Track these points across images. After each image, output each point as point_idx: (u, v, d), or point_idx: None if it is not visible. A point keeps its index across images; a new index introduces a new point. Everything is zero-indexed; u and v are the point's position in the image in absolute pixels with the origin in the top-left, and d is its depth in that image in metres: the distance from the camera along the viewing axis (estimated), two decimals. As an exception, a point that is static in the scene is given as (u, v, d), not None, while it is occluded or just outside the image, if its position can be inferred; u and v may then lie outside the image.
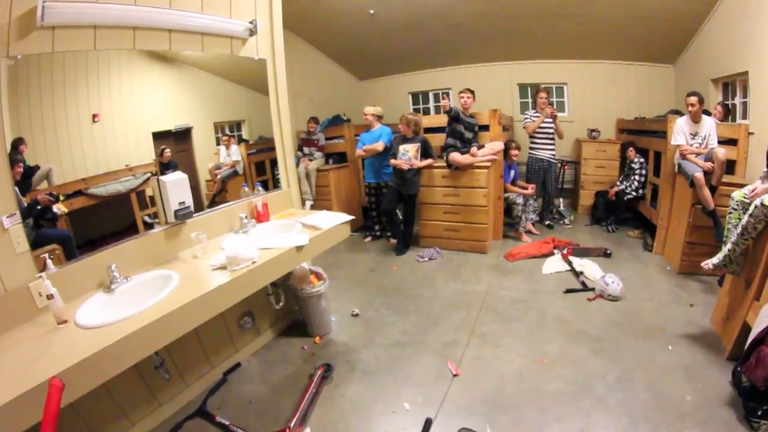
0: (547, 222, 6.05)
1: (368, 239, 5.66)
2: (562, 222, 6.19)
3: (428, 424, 2.35)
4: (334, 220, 3.06)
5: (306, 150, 6.26)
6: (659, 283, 4.15)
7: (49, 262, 1.93)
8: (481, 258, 4.90)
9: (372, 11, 5.91)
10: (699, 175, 3.91)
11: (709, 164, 3.95)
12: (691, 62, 6.28)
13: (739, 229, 2.92)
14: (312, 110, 6.86)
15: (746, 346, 2.52)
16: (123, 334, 1.63)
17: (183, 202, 2.53)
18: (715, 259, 3.12)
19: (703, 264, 3.22)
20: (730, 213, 3.23)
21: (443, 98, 6.09)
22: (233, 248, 2.28)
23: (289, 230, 2.96)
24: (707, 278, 4.01)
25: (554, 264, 4.55)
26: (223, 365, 2.94)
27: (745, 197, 3.10)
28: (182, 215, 2.53)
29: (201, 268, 2.33)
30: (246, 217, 3.00)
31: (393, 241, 5.32)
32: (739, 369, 2.51)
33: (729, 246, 3.01)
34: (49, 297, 1.77)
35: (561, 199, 6.58)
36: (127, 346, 1.63)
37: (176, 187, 2.49)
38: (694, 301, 3.70)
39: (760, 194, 2.92)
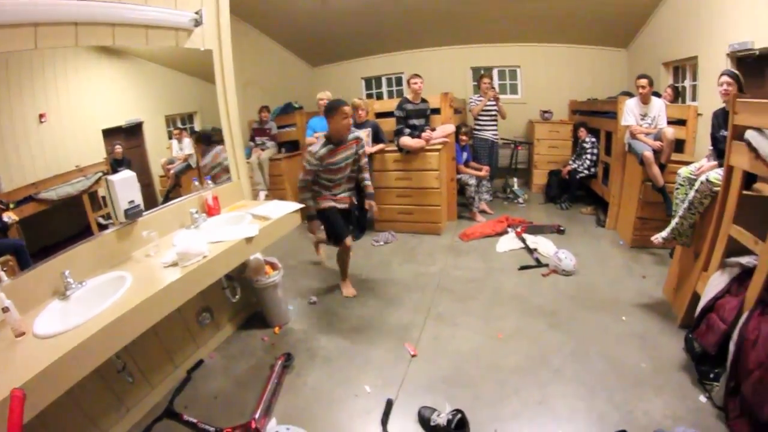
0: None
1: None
2: (516, 201, 6.21)
3: (389, 404, 2.37)
4: (284, 209, 3.03)
5: (258, 140, 5.97)
6: (612, 257, 4.21)
7: (1, 274, 1.82)
8: (436, 239, 4.87)
9: None
10: (648, 153, 4.00)
11: (658, 143, 4.06)
12: (644, 46, 6.45)
13: (686, 203, 3.02)
14: (264, 99, 6.61)
15: (696, 314, 2.60)
16: (80, 339, 1.61)
17: (132, 201, 2.43)
18: (665, 233, 3.20)
19: (653, 238, 3.29)
20: (677, 189, 3.33)
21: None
22: (184, 244, 2.26)
23: (239, 222, 2.91)
24: (659, 251, 4.10)
25: (508, 242, 4.56)
26: (187, 363, 2.84)
27: (691, 174, 3.20)
28: (132, 214, 2.44)
29: (153, 266, 2.29)
30: (197, 211, 2.88)
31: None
32: (690, 336, 2.59)
33: (677, 220, 3.10)
34: (5, 310, 1.69)
35: (515, 179, 6.62)
36: (85, 351, 1.61)
37: (125, 186, 2.39)
38: (647, 273, 3.77)
39: (706, 171, 3.04)
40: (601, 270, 3.91)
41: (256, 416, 2.23)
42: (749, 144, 2.34)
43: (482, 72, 6.22)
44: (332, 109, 3.13)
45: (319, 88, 5.83)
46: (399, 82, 8.01)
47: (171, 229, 2.79)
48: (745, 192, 2.56)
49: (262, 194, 5.67)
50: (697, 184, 2.96)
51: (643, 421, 2.13)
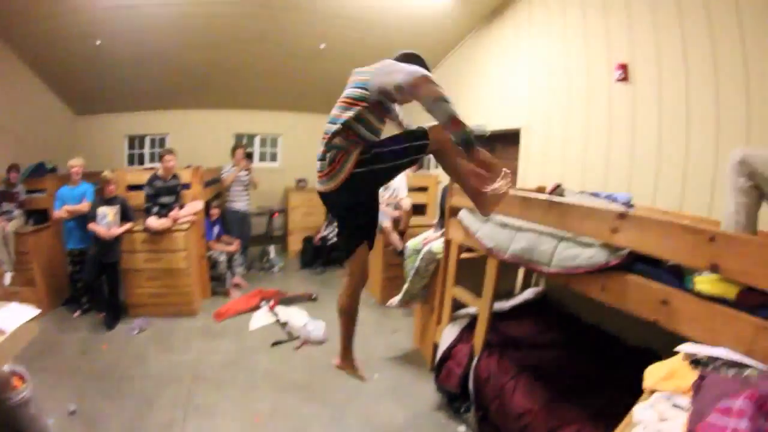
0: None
1: (77, 314, 4.58)
2: (271, 270, 6.15)
3: None
4: (18, 318, 2.33)
5: (4, 206, 4.56)
6: (364, 316, 4.39)
7: None
8: (191, 321, 4.47)
9: (99, 41, 5.07)
10: (386, 224, 4.54)
11: (396, 213, 4.58)
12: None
13: (414, 270, 3.47)
14: (15, 153, 5.07)
15: (436, 363, 3.01)
16: None
17: None
18: (398, 297, 3.58)
19: (388, 303, 3.67)
20: (406, 259, 3.80)
21: None
22: None
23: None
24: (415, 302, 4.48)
25: (261, 318, 4.46)
26: None
27: (418, 245, 3.68)
28: None
29: None
30: None
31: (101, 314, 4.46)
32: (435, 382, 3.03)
33: (408, 285, 3.51)
34: None
35: (272, 246, 6.57)
36: None
37: None
38: (398, 327, 4.17)
39: (432, 241, 3.56)
40: (353, 332, 4.07)
41: None
42: (462, 222, 2.83)
43: (237, 143, 6.24)
44: None
45: (80, 144, 5.35)
46: (163, 143, 7.22)
47: None
48: (463, 256, 3.05)
49: (8, 276, 4.27)
50: (422, 253, 3.43)
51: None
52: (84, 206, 4.35)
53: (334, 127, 1.84)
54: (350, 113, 1.82)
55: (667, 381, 1.38)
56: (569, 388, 2.34)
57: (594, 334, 3.01)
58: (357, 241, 2.09)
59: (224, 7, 4.71)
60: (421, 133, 1.89)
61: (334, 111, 1.90)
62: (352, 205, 2.01)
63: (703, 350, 1.43)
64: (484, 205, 1.94)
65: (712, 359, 1.37)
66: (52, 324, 4.15)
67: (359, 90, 1.85)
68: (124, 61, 5.53)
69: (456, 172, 1.96)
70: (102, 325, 4.32)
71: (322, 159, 1.90)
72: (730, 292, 1.51)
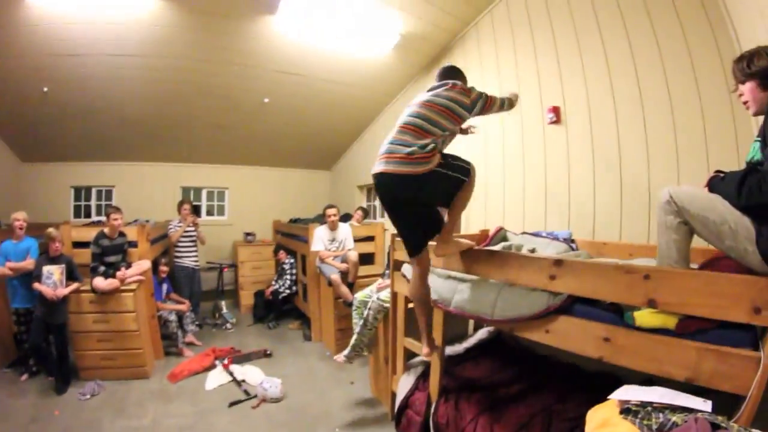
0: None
1: (25, 377, 4.27)
2: (224, 327, 6.03)
3: None
4: None
5: None
6: (320, 370, 4.51)
7: None
8: (145, 384, 4.26)
9: (46, 89, 5.00)
10: (335, 276, 4.65)
11: (344, 265, 4.71)
12: (344, 170, 8.07)
13: (362, 321, 3.57)
14: None
15: (395, 412, 3.08)
16: None
17: None
18: (346, 351, 3.61)
19: (335, 358, 3.71)
20: (355, 310, 3.84)
21: None
22: None
23: None
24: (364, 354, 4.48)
25: (217, 377, 4.35)
26: None
27: (366, 297, 3.75)
28: None
29: None
30: None
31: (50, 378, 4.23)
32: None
33: (356, 337, 3.59)
34: None
35: (224, 302, 6.46)
36: None
37: None
38: (355, 378, 4.17)
39: (382, 288, 3.66)
40: (310, 387, 4.10)
41: None
42: (405, 276, 2.96)
43: (183, 199, 6.21)
44: None
45: (25, 192, 5.50)
46: (109, 195, 7.03)
47: None
48: (411, 305, 3.16)
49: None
50: (370, 303, 3.56)
51: None
52: (29, 263, 4.16)
53: (437, 131, 2.17)
54: (454, 126, 2.26)
55: (600, 430, 1.42)
56: (530, 421, 2.42)
57: (551, 365, 3.10)
58: (430, 236, 2.34)
59: (167, 61, 4.81)
60: (467, 171, 2.26)
61: (432, 115, 2.19)
62: (428, 198, 2.25)
63: (636, 395, 1.45)
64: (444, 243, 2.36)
65: (644, 405, 1.38)
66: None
67: (462, 110, 2.26)
68: (70, 110, 5.48)
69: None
70: (52, 389, 4.08)
71: (408, 146, 2.11)
72: (670, 322, 1.60)
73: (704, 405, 1.32)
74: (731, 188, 1.50)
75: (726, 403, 1.42)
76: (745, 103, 1.61)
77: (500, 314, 2.25)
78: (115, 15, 4.01)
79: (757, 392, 1.36)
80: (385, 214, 2.42)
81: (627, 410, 1.39)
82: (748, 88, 1.57)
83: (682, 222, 1.65)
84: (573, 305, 1.96)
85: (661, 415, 1.30)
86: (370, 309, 3.52)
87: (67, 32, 4.14)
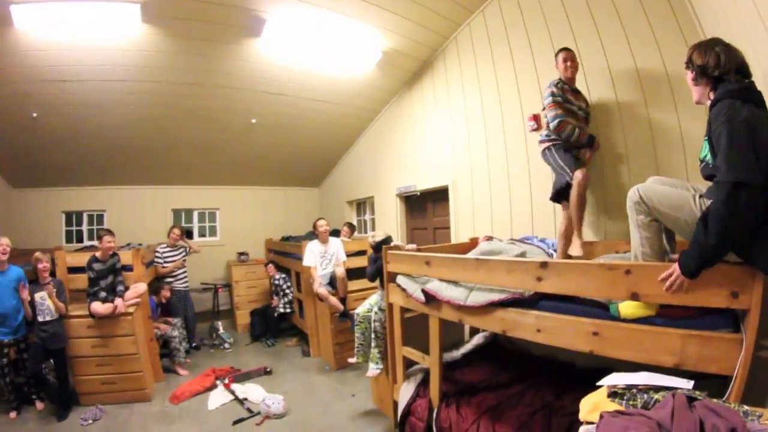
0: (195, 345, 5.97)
1: (14, 414, 4.04)
2: (222, 347, 6.02)
3: None
4: None
5: None
6: (320, 385, 4.53)
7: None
8: (147, 407, 4.24)
9: (35, 114, 5.04)
10: (321, 291, 4.72)
11: (332, 298, 4.73)
12: (333, 186, 8.19)
13: (374, 334, 3.65)
14: None
15: (398, 421, 3.12)
16: None
17: None
18: (375, 366, 3.66)
19: (368, 374, 3.71)
20: (357, 325, 3.89)
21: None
22: None
23: None
24: (362, 366, 4.39)
25: (219, 397, 4.35)
26: None
27: (367, 311, 3.81)
28: None
29: None
30: None
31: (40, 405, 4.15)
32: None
33: (375, 351, 3.65)
34: None
35: (220, 322, 6.44)
36: None
37: None
38: (356, 391, 4.21)
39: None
40: (312, 402, 4.12)
41: None
42: (400, 286, 3.03)
43: (173, 225, 6.21)
44: None
45: (17, 218, 5.50)
46: (101, 219, 7.02)
47: None
48: (408, 315, 3.23)
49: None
50: (373, 315, 3.65)
51: None
52: (21, 292, 3.96)
53: None
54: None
55: (592, 413, 1.46)
56: (531, 419, 2.50)
57: (547, 364, 3.19)
58: None
59: (155, 85, 4.88)
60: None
61: None
62: None
63: (623, 380, 1.52)
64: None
65: (630, 387, 1.45)
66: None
67: None
68: (60, 135, 5.52)
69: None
70: (52, 416, 4.01)
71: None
72: (652, 308, 1.71)
73: (686, 384, 1.40)
74: (700, 233, 1.50)
75: (724, 387, 1.50)
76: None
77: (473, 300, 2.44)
78: (103, 41, 4.07)
79: (743, 371, 1.45)
80: (376, 228, 2.51)
81: (614, 393, 1.47)
82: (689, 76, 1.74)
83: (653, 220, 1.76)
84: (560, 303, 2.06)
85: (645, 395, 1.39)
86: (375, 322, 3.61)
87: (56, 58, 4.20)
